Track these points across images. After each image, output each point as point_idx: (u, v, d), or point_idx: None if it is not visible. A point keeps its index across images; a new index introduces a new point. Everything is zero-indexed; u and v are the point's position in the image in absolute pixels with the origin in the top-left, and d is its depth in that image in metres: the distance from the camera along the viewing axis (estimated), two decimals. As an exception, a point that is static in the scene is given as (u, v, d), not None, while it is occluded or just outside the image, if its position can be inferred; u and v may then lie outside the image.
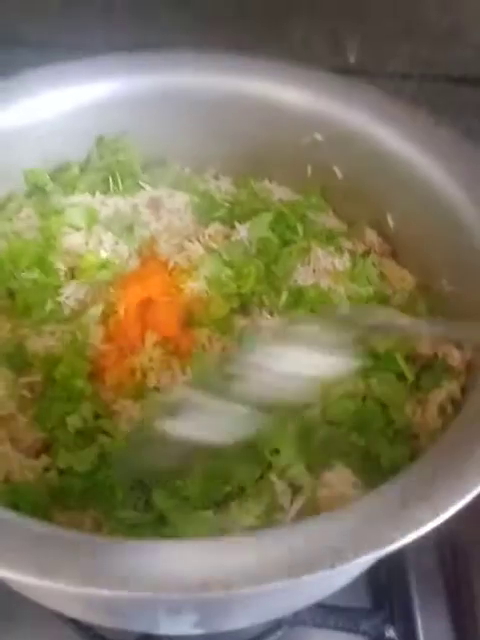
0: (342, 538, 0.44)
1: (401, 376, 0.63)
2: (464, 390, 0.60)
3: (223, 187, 0.83)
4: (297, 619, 0.63)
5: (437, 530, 0.74)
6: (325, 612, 0.63)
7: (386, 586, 0.69)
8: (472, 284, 0.63)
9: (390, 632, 0.63)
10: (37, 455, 0.61)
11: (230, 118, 0.79)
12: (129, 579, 0.42)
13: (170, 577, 0.42)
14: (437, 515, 0.44)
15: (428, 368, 0.64)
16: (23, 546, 0.43)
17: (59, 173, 0.79)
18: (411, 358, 0.64)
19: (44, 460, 0.60)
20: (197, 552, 0.44)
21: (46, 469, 0.59)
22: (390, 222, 0.74)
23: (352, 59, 1.01)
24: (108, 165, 0.79)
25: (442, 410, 0.60)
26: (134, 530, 0.55)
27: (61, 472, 0.59)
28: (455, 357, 0.63)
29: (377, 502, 0.46)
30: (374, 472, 0.56)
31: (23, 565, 0.41)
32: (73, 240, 0.73)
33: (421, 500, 0.44)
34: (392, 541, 0.43)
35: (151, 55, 0.80)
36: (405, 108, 0.74)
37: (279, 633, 0.63)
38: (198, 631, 0.56)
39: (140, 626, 0.58)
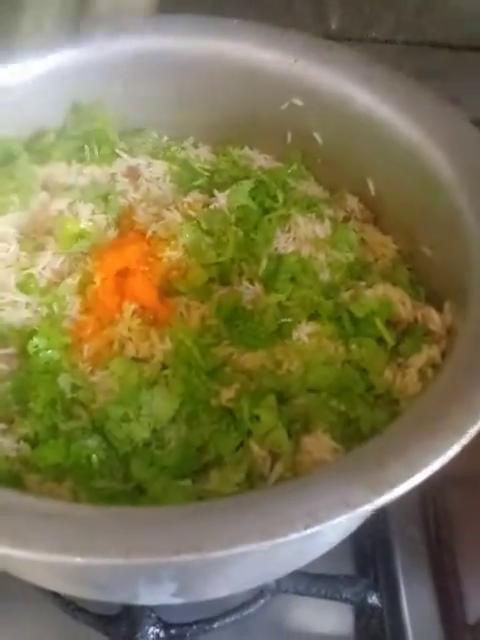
0: (316, 500, 0.43)
1: (381, 341, 0.62)
2: (444, 354, 0.60)
3: (202, 155, 0.81)
4: (279, 587, 0.62)
5: (421, 498, 0.75)
6: (308, 580, 0.63)
7: (370, 554, 0.69)
8: (452, 248, 0.62)
9: (373, 599, 0.63)
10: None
11: (208, 84, 0.77)
12: (101, 546, 0.41)
13: (142, 543, 0.42)
14: (412, 475, 0.43)
15: (408, 333, 0.63)
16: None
17: (34, 141, 0.77)
18: (391, 323, 0.63)
19: (19, 431, 0.59)
20: (170, 518, 0.44)
21: (19, 441, 0.58)
22: (371, 188, 0.73)
23: (334, 25, 0.99)
24: (84, 133, 0.78)
25: (422, 375, 0.59)
26: (111, 500, 0.55)
27: (34, 444, 0.58)
28: (436, 321, 0.62)
29: (352, 464, 0.46)
30: (354, 437, 0.56)
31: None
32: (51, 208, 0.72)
33: (396, 461, 0.44)
34: (366, 502, 0.42)
35: (129, 19, 0.78)
36: (385, 71, 0.72)
37: (261, 602, 0.63)
38: (178, 600, 0.56)
39: (120, 597, 0.58)
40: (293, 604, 0.67)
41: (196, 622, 0.61)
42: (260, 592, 0.63)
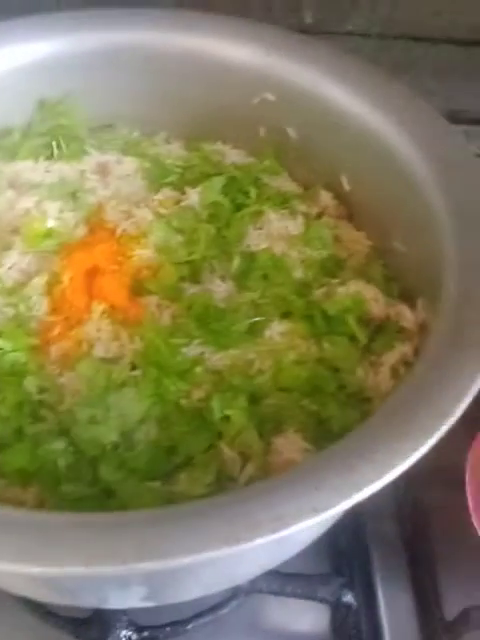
0: (284, 504, 0.42)
1: (353, 339, 0.61)
2: (417, 352, 0.59)
3: (174, 151, 0.80)
4: (254, 587, 0.62)
5: (396, 494, 0.74)
6: (282, 579, 0.62)
7: (346, 552, 0.69)
8: (425, 244, 0.61)
9: (348, 597, 0.62)
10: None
11: (179, 78, 0.76)
12: (60, 555, 0.40)
13: (103, 551, 0.41)
14: (380, 477, 0.42)
15: (381, 330, 0.62)
16: None
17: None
18: (363, 320, 0.62)
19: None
20: (133, 524, 0.43)
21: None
22: (345, 183, 0.72)
23: (309, 18, 0.97)
24: (51, 129, 0.76)
25: (395, 372, 0.59)
26: (79, 504, 0.53)
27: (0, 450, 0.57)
28: (408, 319, 0.61)
29: (320, 466, 0.45)
30: (325, 437, 0.55)
31: None
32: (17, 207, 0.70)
33: (364, 463, 0.43)
34: (333, 505, 0.42)
35: (95, 12, 0.76)
36: (358, 64, 0.71)
37: (235, 602, 0.62)
38: (149, 604, 0.55)
39: (88, 602, 0.56)
40: (268, 603, 0.66)
41: (169, 624, 0.60)
42: (234, 592, 0.62)
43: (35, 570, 0.39)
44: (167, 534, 0.41)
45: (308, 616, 0.68)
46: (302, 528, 0.42)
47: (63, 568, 0.40)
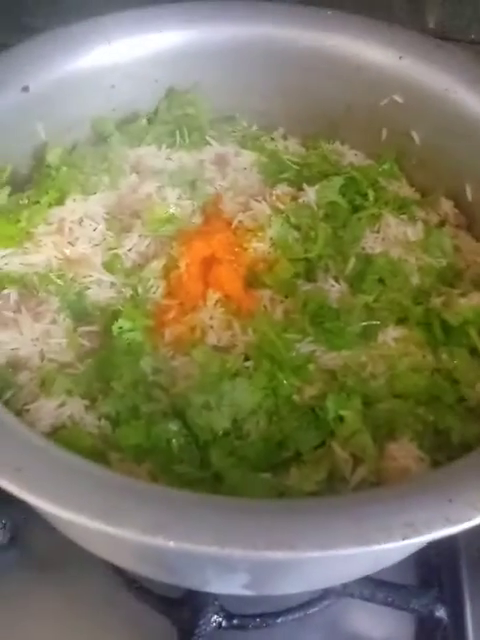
0: (415, 512, 0.42)
1: (474, 352, 0.60)
2: None
3: (291, 147, 0.80)
4: (345, 591, 0.62)
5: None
6: (374, 586, 0.62)
7: (435, 566, 0.68)
8: None
9: (440, 612, 0.61)
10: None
11: (306, 74, 0.76)
12: (195, 532, 0.41)
13: (235, 534, 0.41)
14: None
15: (502, 345, 0.61)
16: (90, 491, 0.42)
17: (126, 124, 0.78)
18: (486, 334, 0.61)
19: (100, 409, 0.59)
20: (262, 512, 0.43)
21: (100, 418, 0.59)
22: (468, 193, 0.71)
23: (432, 24, 0.96)
24: (176, 118, 0.78)
25: (516, 390, 0.57)
26: (190, 486, 0.54)
27: (116, 424, 0.59)
28: None
29: (450, 479, 0.45)
30: (442, 448, 0.54)
31: (90, 510, 0.41)
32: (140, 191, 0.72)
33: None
34: (468, 519, 0.41)
35: (229, 5, 0.77)
36: (494, 72, 0.70)
37: (325, 602, 0.62)
38: (247, 592, 0.56)
39: (190, 583, 0.58)
40: (354, 608, 0.66)
41: (260, 615, 0.61)
42: (325, 593, 0.62)
43: (171, 545, 0.40)
44: (297, 526, 0.42)
45: (391, 625, 0.67)
46: (433, 537, 0.41)
47: (197, 545, 0.41)
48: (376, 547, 0.41)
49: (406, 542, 0.41)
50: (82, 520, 0.41)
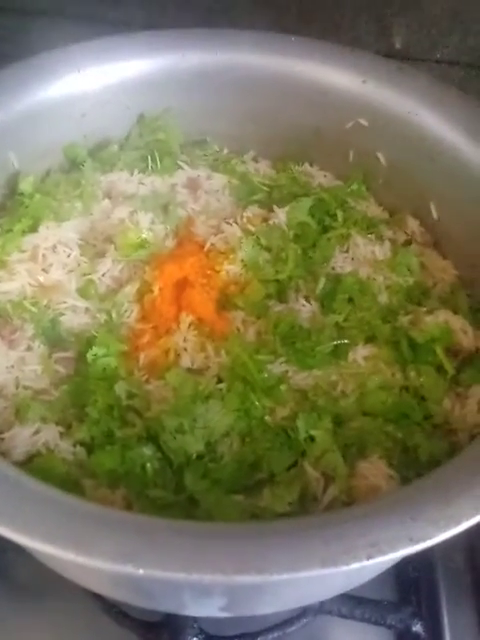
0: (379, 532, 0.43)
1: (441, 369, 0.61)
2: (505, 387, 0.59)
3: (262, 170, 0.82)
4: (323, 608, 0.62)
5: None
6: (352, 603, 0.62)
7: (413, 580, 0.69)
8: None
9: (417, 627, 0.62)
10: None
11: (274, 99, 0.78)
12: (163, 559, 0.42)
13: (204, 560, 0.42)
14: (478, 512, 0.43)
15: (469, 362, 0.62)
16: (59, 520, 0.43)
17: (98, 150, 0.79)
18: (451, 351, 0.63)
19: (75, 435, 0.60)
20: (231, 536, 0.44)
21: (75, 445, 0.59)
22: (434, 211, 0.73)
23: (398, 44, 0.98)
24: (147, 143, 0.79)
25: (482, 406, 0.59)
26: (165, 511, 0.55)
27: (91, 450, 0.59)
28: (498, 352, 0.61)
29: (415, 497, 0.45)
30: (410, 465, 0.56)
31: (60, 540, 0.41)
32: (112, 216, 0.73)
33: (461, 497, 0.43)
34: (430, 537, 0.42)
35: (196, 32, 0.79)
36: (455, 95, 0.72)
37: (304, 620, 0.63)
38: (225, 614, 0.56)
39: (167, 606, 0.58)
40: (332, 625, 0.66)
41: (239, 636, 0.61)
42: (303, 611, 0.63)
43: (140, 573, 0.41)
44: (265, 550, 0.42)
45: (370, 640, 0.67)
46: (397, 557, 0.42)
47: (165, 573, 0.41)
48: (343, 568, 0.42)
49: (371, 562, 0.42)
50: (52, 550, 0.42)
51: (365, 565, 0.42)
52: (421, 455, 0.56)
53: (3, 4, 1.02)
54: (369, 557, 0.42)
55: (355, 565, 0.42)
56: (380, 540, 0.42)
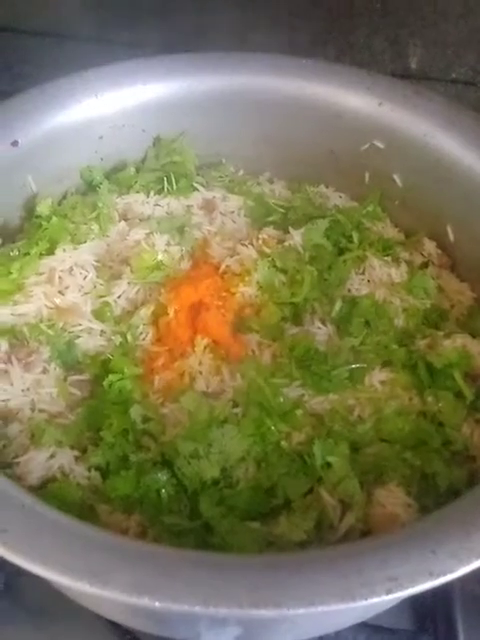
0: (399, 566, 0.42)
1: (459, 394, 0.60)
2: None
3: (277, 191, 0.82)
4: (339, 636, 0.61)
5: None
6: (368, 631, 0.61)
7: (430, 608, 0.67)
8: None
9: (434, 657, 0.61)
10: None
11: (289, 121, 0.78)
12: (179, 592, 0.41)
13: (220, 592, 0.42)
14: (501, 546, 0.42)
15: (487, 388, 0.62)
16: (75, 551, 0.43)
17: (115, 172, 0.79)
18: (470, 375, 0.62)
19: (90, 459, 0.60)
20: (247, 568, 0.43)
21: (90, 469, 0.59)
22: (450, 234, 0.72)
23: (414, 65, 0.98)
24: (163, 166, 0.79)
25: (502, 433, 0.58)
26: (179, 537, 0.55)
27: (105, 474, 0.59)
28: (516, 378, 0.60)
29: (434, 528, 0.45)
30: (429, 493, 0.55)
31: (76, 571, 0.41)
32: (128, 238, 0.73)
33: (483, 530, 0.43)
34: (451, 571, 0.41)
35: (211, 56, 0.79)
36: (471, 116, 0.71)
37: (320, 650, 0.62)
38: (239, 644, 0.55)
39: (182, 635, 0.57)
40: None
41: (253, 665, 0.60)
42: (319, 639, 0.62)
43: (156, 605, 0.40)
44: (282, 583, 0.42)
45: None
46: (417, 591, 0.41)
47: (180, 605, 0.41)
48: (361, 603, 0.41)
49: (390, 597, 0.41)
50: (68, 581, 0.41)
51: (384, 600, 0.41)
52: (440, 483, 0.55)
53: (23, 27, 1.04)
54: (388, 592, 0.41)
55: (374, 600, 0.41)
56: (400, 574, 0.42)
